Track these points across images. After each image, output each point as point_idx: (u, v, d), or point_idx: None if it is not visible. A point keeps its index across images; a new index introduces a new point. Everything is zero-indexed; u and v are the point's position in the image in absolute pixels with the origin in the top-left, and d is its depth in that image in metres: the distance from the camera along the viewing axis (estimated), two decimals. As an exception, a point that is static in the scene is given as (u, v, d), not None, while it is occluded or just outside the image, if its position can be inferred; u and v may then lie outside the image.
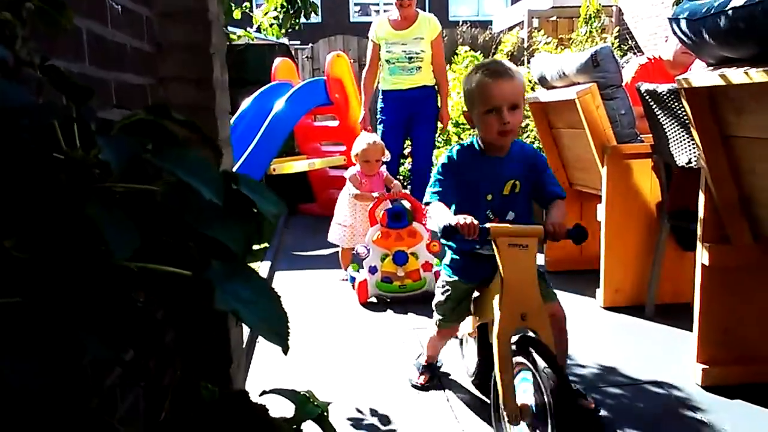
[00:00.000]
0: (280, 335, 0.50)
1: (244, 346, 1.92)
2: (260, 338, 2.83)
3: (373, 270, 3.29)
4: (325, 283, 3.76)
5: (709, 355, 2.16)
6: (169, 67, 1.52)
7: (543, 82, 3.53)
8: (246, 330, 2.76)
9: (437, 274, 3.03)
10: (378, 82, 4.47)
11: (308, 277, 3.91)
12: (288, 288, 3.67)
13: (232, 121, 5.43)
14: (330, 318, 3.10)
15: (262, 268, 3.96)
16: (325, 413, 0.70)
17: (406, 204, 3.38)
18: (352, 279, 3.46)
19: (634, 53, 4.85)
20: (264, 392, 0.74)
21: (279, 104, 5.34)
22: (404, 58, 4.20)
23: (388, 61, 4.26)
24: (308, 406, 0.69)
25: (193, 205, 0.56)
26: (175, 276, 0.49)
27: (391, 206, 3.35)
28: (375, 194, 3.44)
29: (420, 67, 4.24)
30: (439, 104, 4.40)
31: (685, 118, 2.12)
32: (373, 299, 3.36)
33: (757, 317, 2.14)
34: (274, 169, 5.22)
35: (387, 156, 3.63)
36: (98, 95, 1.24)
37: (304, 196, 6.25)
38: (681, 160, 2.55)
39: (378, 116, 4.50)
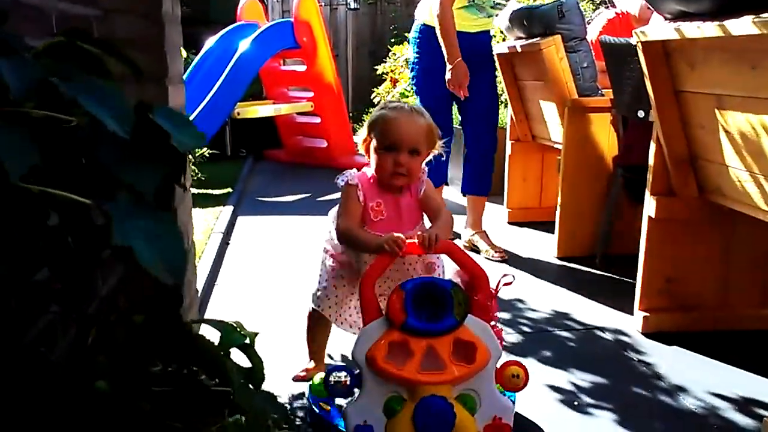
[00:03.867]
0: (175, 272, 0.51)
1: (197, 286, 1.93)
2: (219, 279, 2.86)
3: None
4: (288, 228, 3.77)
5: (650, 303, 2.25)
6: (115, -2, 1.47)
7: (509, 31, 3.51)
8: (203, 271, 2.78)
9: None
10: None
11: (272, 222, 3.91)
12: (250, 233, 3.67)
13: (195, 61, 5.30)
14: (292, 262, 3.12)
15: (224, 212, 3.95)
16: (251, 342, 0.73)
17: (453, 273, 1.62)
18: (311, 414, 1.72)
19: (606, 6, 4.83)
20: (192, 321, 0.76)
21: (244, 45, 5.20)
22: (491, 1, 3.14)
23: None
24: (234, 334, 0.71)
25: (107, 138, 0.55)
26: (84, 206, 0.49)
27: (420, 278, 1.53)
28: (396, 236, 1.50)
29: (497, 16, 3.34)
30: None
31: (642, 72, 2.14)
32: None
33: (697, 268, 2.23)
34: (238, 113, 5.13)
35: (438, 147, 1.73)
36: (37, 25, 1.20)
37: (271, 142, 6.18)
38: (636, 113, 2.59)
39: (413, 60, 3.28)
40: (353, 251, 1.74)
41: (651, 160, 2.18)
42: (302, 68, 5.80)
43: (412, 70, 3.31)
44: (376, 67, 7.25)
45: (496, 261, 3.11)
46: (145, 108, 0.56)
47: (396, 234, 1.50)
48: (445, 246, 1.51)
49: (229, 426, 0.60)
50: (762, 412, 1.75)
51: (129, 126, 0.51)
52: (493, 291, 1.53)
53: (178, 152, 0.56)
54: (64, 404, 0.54)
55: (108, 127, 0.49)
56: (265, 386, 0.84)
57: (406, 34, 7.02)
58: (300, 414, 1.75)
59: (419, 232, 1.53)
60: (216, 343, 0.72)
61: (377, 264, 1.50)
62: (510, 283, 1.57)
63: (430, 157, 1.74)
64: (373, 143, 1.67)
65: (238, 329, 0.72)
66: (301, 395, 1.85)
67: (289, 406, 1.79)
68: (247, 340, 0.73)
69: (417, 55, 3.23)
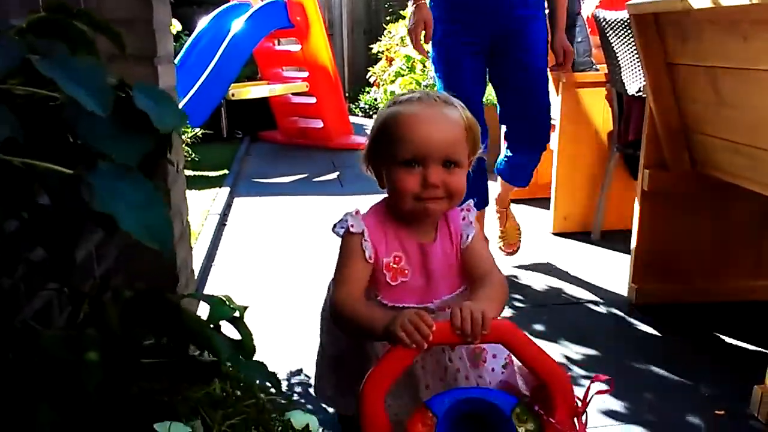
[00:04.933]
0: (162, 241, 0.52)
1: (194, 266, 1.95)
2: (216, 260, 2.88)
3: None
4: (285, 209, 3.78)
5: (643, 276, 2.27)
6: (101, -24, 1.46)
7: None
8: (200, 252, 2.79)
9: None
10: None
11: (268, 203, 3.91)
12: (247, 214, 3.68)
13: (188, 42, 5.26)
14: (288, 242, 3.14)
15: (220, 194, 3.96)
16: (241, 315, 0.74)
17: (518, 379, 1.10)
18: None
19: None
20: (182, 296, 0.77)
21: (237, 25, 5.16)
22: None
23: None
24: (223, 308, 0.72)
25: (90, 115, 0.56)
26: (66, 177, 0.49)
27: (459, 392, 0.98)
28: (417, 315, 0.96)
29: None
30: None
31: (635, 46, 2.14)
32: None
33: (689, 241, 2.25)
34: (232, 94, 5.12)
35: (481, 150, 1.21)
36: (23, 2, 1.20)
37: (266, 123, 6.16)
38: (631, 88, 2.58)
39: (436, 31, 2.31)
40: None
41: (644, 134, 2.18)
42: (297, 48, 5.76)
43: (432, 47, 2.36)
44: (371, 46, 7.21)
45: (505, 254, 2.74)
46: (125, 87, 0.57)
47: (417, 309, 0.95)
48: (499, 331, 0.93)
49: (214, 391, 0.62)
50: (753, 380, 1.77)
51: (108, 104, 0.52)
52: (581, 403, 0.98)
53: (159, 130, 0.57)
54: (54, 376, 0.56)
55: (87, 107, 0.50)
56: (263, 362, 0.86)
57: (401, 12, 6.96)
58: (298, 389, 1.78)
59: (457, 306, 0.94)
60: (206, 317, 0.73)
61: (388, 363, 0.90)
62: (608, 391, 1.05)
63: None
64: (385, 159, 1.12)
65: (227, 303, 0.74)
66: (299, 371, 1.87)
67: (287, 382, 1.81)
68: (237, 314, 0.74)
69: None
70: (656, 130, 2.14)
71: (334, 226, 1.15)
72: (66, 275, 0.61)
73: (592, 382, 1.02)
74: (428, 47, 2.36)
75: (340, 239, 1.15)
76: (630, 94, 2.60)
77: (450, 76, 2.31)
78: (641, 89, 2.50)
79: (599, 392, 1.03)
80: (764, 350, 1.69)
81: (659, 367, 1.89)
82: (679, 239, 2.24)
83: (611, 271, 2.59)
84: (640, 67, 2.46)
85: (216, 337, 0.63)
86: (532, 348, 0.95)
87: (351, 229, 1.12)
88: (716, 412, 1.65)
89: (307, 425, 0.66)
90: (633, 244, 2.27)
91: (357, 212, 1.15)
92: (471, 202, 1.19)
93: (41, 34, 0.66)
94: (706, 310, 2.21)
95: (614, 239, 2.90)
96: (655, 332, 2.10)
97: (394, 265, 1.12)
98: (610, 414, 1.64)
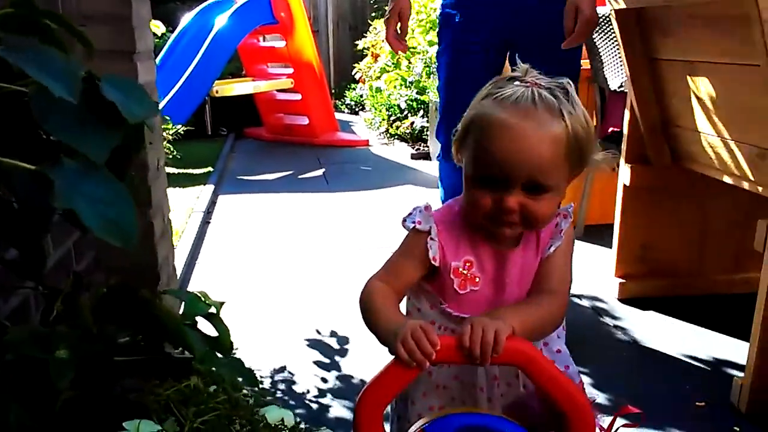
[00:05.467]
0: (125, 238, 0.51)
1: (175, 264, 1.93)
2: (200, 258, 2.86)
3: None
4: (270, 207, 3.76)
5: (626, 270, 2.29)
6: (79, -28, 1.44)
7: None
8: (184, 250, 2.77)
9: None
10: None
11: (253, 201, 3.90)
12: (232, 212, 3.66)
13: (171, 39, 5.22)
14: (274, 240, 3.12)
15: (204, 191, 3.93)
16: (217, 311, 0.73)
17: None
18: None
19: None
20: (160, 293, 0.76)
21: (221, 21, 5.13)
22: None
23: None
24: (198, 304, 0.72)
25: (57, 107, 0.55)
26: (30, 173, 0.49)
27: (465, 417, 0.90)
28: (419, 327, 0.83)
29: None
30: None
31: (617, 41, 2.15)
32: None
33: (671, 235, 2.27)
34: (216, 91, 5.08)
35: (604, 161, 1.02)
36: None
37: (251, 120, 6.13)
38: (613, 84, 2.60)
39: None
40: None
41: (625, 129, 2.20)
42: (281, 44, 5.74)
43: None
44: (356, 42, 7.20)
45: None
46: (93, 78, 0.56)
47: (424, 322, 0.84)
48: (513, 353, 0.81)
49: (185, 388, 0.61)
50: (734, 372, 1.79)
51: (77, 90, 0.51)
52: None
53: (129, 121, 0.56)
54: (24, 375, 0.55)
55: (54, 93, 0.49)
56: (247, 361, 0.85)
57: (386, 7, 6.95)
58: (281, 386, 1.77)
59: (469, 322, 0.82)
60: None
61: (386, 379, 0.82)
62: (636, 425, 1.00)
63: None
64: (465, 164, 0.96)
65: (203, 299, 0.73)
66: (282, 368, 1.87)
67: (270, 379, 1.81)
68: (213, 310, 0.74)
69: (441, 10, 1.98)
70: (637, 124, 2.15)
71: (404, 219, 1.00)
72: (37, 272, 0.60)
73: (619, 413, 0.93)
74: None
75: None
76: (612, 89, 2.62)
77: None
78: (623, 84, 2.52)
79: (626, 425, 0.96)
80: (745, 342, 1.71)
81: (643, 359, 1.90)
82: (661, 233, 2.26)
83: (595, 265, 2.61)
84: (620, 62, 2.48)
85: (190, 333, 0.63)
86: (552, 374, 0.82)
87: (417, 226, 0.97)
88: (697, 403, 1.67)
89: (282, 420, 0.66)
90: (615, 238, 2.29)
91: (427, 207, 0.99)
92: (571, 206, 1.03)
93: (8, 29, 0.65)
94: (688, 303, 2.23)
95: (598, 234, 2.91)
96: (638, 325, 2.11)
97: (464, 271, 0.97)
98: (592, 405, 1.64)
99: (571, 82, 0.92)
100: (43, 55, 0.52)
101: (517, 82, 0.91)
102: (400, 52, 2.11)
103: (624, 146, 2.21)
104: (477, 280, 0.97)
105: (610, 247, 2.38)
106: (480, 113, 0.92)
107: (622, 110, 2.28)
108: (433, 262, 0.96)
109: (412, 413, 0.98)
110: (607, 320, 2.17)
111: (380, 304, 0.92)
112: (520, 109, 0.88)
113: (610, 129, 2.73)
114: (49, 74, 0.50)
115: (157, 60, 4.68)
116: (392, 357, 0.81)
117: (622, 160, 2.23)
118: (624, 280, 2.29)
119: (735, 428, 1.56)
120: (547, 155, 0.88)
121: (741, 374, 1.66)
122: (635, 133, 2.17)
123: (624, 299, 2.28)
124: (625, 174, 2.20)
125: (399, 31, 2.04)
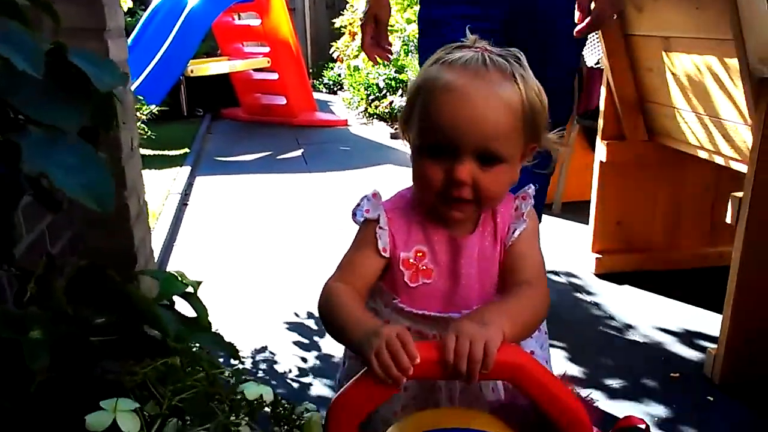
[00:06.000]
0: (100, 201, 0.50)
1: (153, 246, 1.91)
2: (178, 240, 2.83)
3: None
4: (248, 188, 3.73)
5: (602, 245, 2.32)
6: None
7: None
8: (161, 233, 2.75)
9: None
10: None
11: (231, 182, 3.86)
12: (209, 193, 3.63)
13: (143, 17, 5.11)
14: (252, 221, 3.10)
15: (181, 173, 3.88)
16: (194, 291, 0.73)
17: None
18: None
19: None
20: (136, 273, 0.75)
21: None
22: None
23: None
24: (174, 283, 0.71)
25: (25, 81, 0.54)
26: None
27: None
28: (394, 333, 0.72)
29: None
30: None
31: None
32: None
33: (646, 210, 2.30)
34: (191, 71, 5.00)
35: (550, 140, 0.93)
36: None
37: (228, 100, 6.05)
38: (590, 60, 2.61)
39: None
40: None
41: (601, 105, 2.21)
42: (257, 22, 5.65)
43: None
44: (334, 21, 7.12)
45: None
46: (61, 49, 0.55)
47: (401, 329, 0.72)
48: (506, 368, 0.71)
49: (162, 366, 0.61)
50: (707, 344, 1.83)
51: (40, 64, 0.50)
52: None
53: (100, 94, 0.55)
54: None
55: (18, 67, 0.48)
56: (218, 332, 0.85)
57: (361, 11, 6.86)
58: (262, 366, 1.78)
59: (453, 333, 0.71)
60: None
61: (359, 391, 0.72)
62: None
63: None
64: (412, 137, 0.89)
65: (180, 278, 0.72)
66: (264, 348, 1.87)
67: (251, 359, 1.81)
68: (190, 289, 0.73)
69: None
70: (613, 101, 2.17)
71: (354, 213, 0.92)
72: (8, 252, 0.59)
73: (621, 424, 0.87)
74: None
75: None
76: (589, 66, 2.63)
77: None
78: (599, 61, 2.53)
79: None
80: (718, 314, 1.75)
81: (617, 331, 1.94)
82: (636, 209, 2.29)
83: (572, 241, 2.64)
84: (597, 40, 2.49)
85: (162, 312, 0.62)
86: (552, 388, 0.72)
87: (367, 215, 0.90)
88: (672, 374, 1.71)
89: (261, 396, 0.66)
90: (592, 214, 2.31)
91: (375, 195, 0.92)
92: (531, 188, 0.94)
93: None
94: (663, 277, 2.27)
95: (575, 210, 2.94)
96: (614, 299, 2.15)
97: (414, 262, 0.89)
98: (569, 378, 1.67)
99: (521, 54, 0.86)
100: (4, 28, 0.51)
101: (466, 49, 0.85)
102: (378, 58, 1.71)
103: (600, 123, 2.22)
104: (431, 273, 0.89)
105: (587, 224, 2.40)
106: (426, 78, 0.85)
107: (599, 87, 2.29)
108: (383, 254, 0.88)
109: (377, 422, 0.86)
110: (584, 295, 2.20)
111: (344, 306, 0.81)
112: (469, 70, 0.81)
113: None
114: (13, 47, 0.48)
115: (129, 40, 4.59)
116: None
117: (598, 137, 2.24)
118: (600, 256, 2.32)
119: (708, 398, 1.61)
120: (499, 119, 0.81)
121: (714, 346, 1.70)
122: (611, 109, 2.18)
123: (600, 274, 2.32)
124: (601, 150, 2.22)
125: (374, 38, 1.69)
